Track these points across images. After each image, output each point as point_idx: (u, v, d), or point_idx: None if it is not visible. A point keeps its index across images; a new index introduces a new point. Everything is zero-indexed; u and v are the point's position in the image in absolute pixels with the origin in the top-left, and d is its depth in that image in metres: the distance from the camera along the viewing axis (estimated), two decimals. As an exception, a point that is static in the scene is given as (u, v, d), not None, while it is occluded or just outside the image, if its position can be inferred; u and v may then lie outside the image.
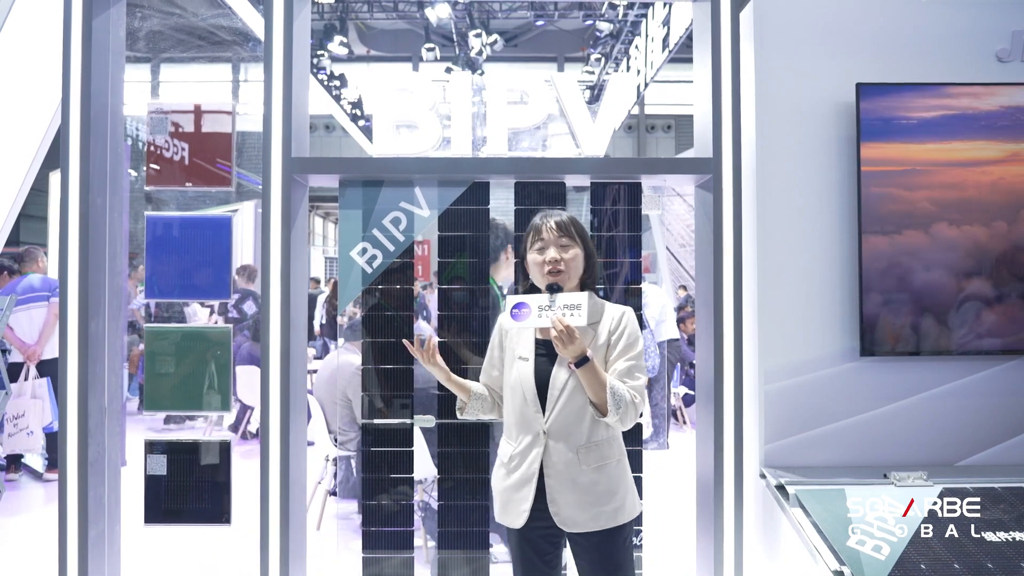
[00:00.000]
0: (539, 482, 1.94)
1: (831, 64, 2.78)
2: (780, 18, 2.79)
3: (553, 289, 1.93)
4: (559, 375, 1.94)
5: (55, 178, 4.64)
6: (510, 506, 1.99)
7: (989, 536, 2.32)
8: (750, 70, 2.78)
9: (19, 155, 3.64)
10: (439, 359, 2.06)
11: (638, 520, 2.66)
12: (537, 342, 2.02)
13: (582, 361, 1.85)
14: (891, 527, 2.34)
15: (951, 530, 2.34)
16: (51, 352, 4.83)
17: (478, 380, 2.19)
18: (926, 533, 2.33)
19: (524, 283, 2.11)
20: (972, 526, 2.35)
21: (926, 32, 2.82)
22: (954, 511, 2.39)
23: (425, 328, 5.81)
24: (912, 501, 2.40)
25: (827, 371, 2.75)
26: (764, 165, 2.77)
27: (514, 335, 2.06)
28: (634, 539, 2.07)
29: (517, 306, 1.92)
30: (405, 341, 2.11)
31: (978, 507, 2.40)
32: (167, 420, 6.34)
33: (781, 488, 2.54)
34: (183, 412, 3.01)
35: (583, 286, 2.04)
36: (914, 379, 2.77)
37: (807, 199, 2.78)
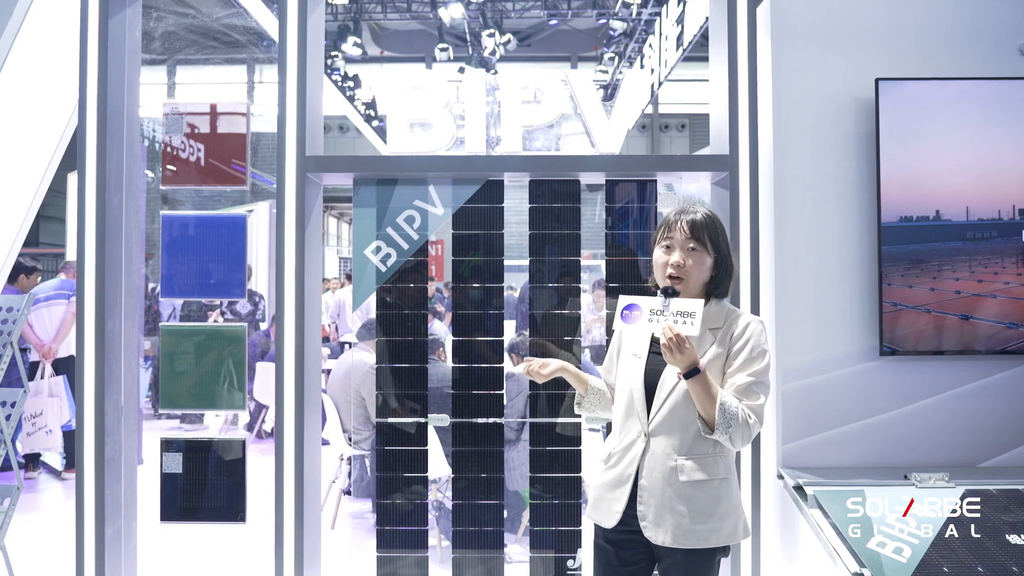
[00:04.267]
0: (634, 485, 1.84)
1: (849, 59, 2.74)
2: (797, 13, 2.75)
3: (668, 293, 1.79)
4: (669, 377, 1.83)
5: (73, 179, 4.68)
6: (602, 504, 1.90)
7: (1014, 539, 2.27)
8: (767, 66, 2.74)
9: (36, 156, 3.67)
10: (550, 367, 2.03)
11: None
12: (653, 340, 1.89)
13: (692, 372, 1.72)
14: (912, 529, 2.30)
15: (974, 532, 2.30)
16: (67, 350, 4.88)
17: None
18: (948, 535, 2.29)
19: (652, 279, 1.95)
20: (996, 528, 2.31)
21: (946, 26, 2.77)
22: (977, 513, 2.34)
23: (440, 329, 5.81)
24: (912, 501, 2.36)
25: (846, 370, 2.71)
26: (781, 162, 2.74)
27: (629, 331, 1.92)
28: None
29: (628, 307, 1.80)
30: (521, 365, 2.10)
31: (1002, 509, 2.36)
32: (183, 419, 6.39)
33: (799, 489, 2.51)
34: (199, 411, 3.02)
35: (709, 295, 1.88)
36: (936, 378, 2.72)
37: (825, 196, 2.74)
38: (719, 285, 1.88)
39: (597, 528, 1.94)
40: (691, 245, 1.84)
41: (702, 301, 1.75)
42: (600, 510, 1.91)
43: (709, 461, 1.81)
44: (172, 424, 6.32)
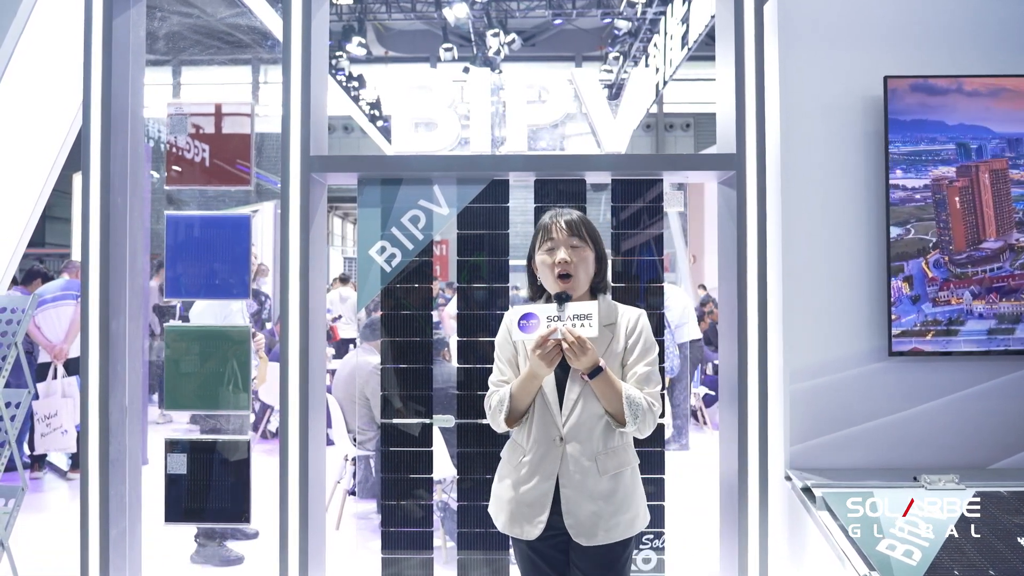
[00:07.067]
0: (555, 494, 1.84)
1: (857, 57, 2.73)
2: (805, 11, 2.73)
3: (562, 299, 1.81)
4: (575, 380, 1.86)
5: (78, 180, 4.69)
6: (521, 518, 1.87)
7: (1025, 541, 2.25)
8: (774, 64, 2.73)
9: (41, 157, 3.68)
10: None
11: (659, 522, 2.62)
12: None
13: (596, 372, 1.78)
14: (922, 531, 2.28)
15: (985, 535, 2.27)
16: (78, 350, 4.87)
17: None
18: (959, 537, 2.26)
19: (533, 286, 1.98)
20: (1007, 530, 2.28)
21: (955, 23, 2.75)
22: (988, 515, 2.32)
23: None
24: (912, 501, 2.34)
25: (854, 371, 2.69)
26: (789, 161, 2.72)
27: (531, 340, 1.87)
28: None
29: (525, 316, 1.80)
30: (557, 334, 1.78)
31: (1012, 511, 2.33)
32: (192, 419, 6.38)
33: (807, 491, 2.49)
34: (203, 411, 3.02)
35: (593, 290, 1.94)
36: (944, 379, 2.70)
37: (833, 195, 2.72)
38: (602, 278, 1.95)
39: (517, 541, 1.91)
40: (573, 243, 1.89)
41: (596, 302, 1.80)
42: (521, 524, 1.86)
43: (621, 452, 1.88)
44: (184, 426, 6.32)
